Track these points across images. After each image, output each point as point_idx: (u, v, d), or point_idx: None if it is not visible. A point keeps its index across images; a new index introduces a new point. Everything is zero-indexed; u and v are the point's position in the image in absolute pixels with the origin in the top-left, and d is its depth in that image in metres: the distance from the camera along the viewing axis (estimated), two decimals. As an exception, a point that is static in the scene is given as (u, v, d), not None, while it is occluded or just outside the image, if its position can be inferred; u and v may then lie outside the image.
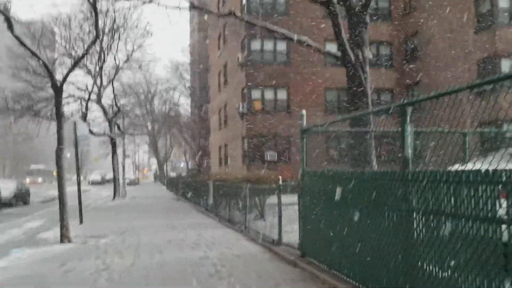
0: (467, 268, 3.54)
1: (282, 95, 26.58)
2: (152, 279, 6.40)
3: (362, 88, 17.48)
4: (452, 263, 3.72)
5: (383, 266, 4.65)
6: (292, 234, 8.32)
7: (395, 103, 4.41)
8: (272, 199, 12.79)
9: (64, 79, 11.26)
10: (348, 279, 5.48)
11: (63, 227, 10.67)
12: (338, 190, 5.60)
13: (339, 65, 26.87)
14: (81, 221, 14.08)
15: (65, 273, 7.04)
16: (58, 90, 10.74)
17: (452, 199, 3.72)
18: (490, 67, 20.52)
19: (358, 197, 5.19)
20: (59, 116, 10.97)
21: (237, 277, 6.37)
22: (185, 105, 67.18)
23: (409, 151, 4.22)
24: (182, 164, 79.28)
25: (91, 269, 7.19)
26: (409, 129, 4.28)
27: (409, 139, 4.25)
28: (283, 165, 24.94)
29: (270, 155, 25.41)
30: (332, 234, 6.00)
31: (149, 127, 63.02)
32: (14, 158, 77.92)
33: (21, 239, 11.55)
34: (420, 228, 4.06)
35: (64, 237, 10.59)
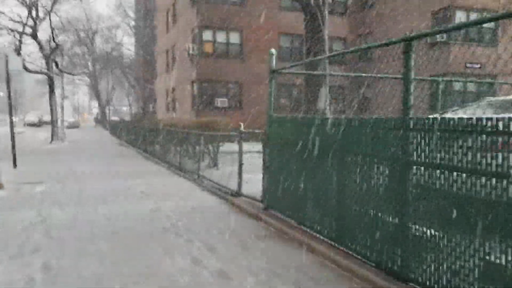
0: (472, 230, 3.07)
1: (235, 38, 25.31)
2: (98, 236, 5.59)
3: (319, 34, 17.02)
4: (456, 224, 3.24)
5: (368, 225, 4.14)
6: (250, 185, 7.73)
7: (396, 38, 3.71)
8: (225, 147, 12.14)
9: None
10: (321, 236, 4.97)
11: (-8, 172, 9.47)
12: (316, 138, 4.98)
13: (295, 9, 26.05)
14: (14, 165, 12.78)
15: (-8, 227, 6.07)
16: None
17: (466, 151, 3.17)
18: (445, 18, 20.40)
19: (340, 147, 4.58)
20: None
21: (196, 232, 5.70)
22: (128, 45, 63.64)
23: (411, 96, 3.60)
24: (125, 108, 76.21)
25: (25, 222, 6.25)
26: (413, 68, 3.64)
27: (412, 81, 3.61)
28: (234, 112, 24.20)
29: (220, 101, 24.47)
30: (303, 186, 5.43)
31: (90, 67, 59.20)
32: None
33: None
34: (421, 184, 3.51)
35: (-7, 183, 9.41)
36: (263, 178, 6.74)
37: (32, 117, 61.79)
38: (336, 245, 4.63)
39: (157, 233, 5.72)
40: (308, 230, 5.28)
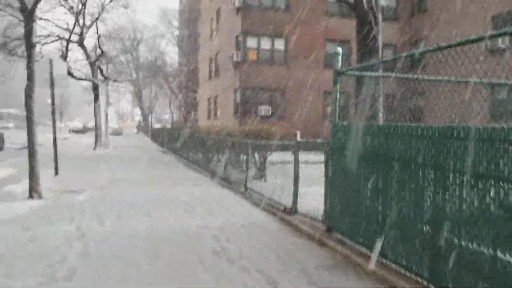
0: None
1: (279, 44, 24.62)
2: (140, 258, 4.89)
3: (371, 40, 16.11)
4: None
5: (482, 265, 3.21)
6: (303, 200, 6.91)
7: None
8: (271, 157, 11.37)
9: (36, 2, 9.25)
10: (407, 273, 4.06)
11: (33, 179, 9.05)
12: (401, 150, 4.10)
13: (341, 14, 25.12)
14: (56, 172, 12.47)
15: (26, 243, 5.50)
16: (28, 14, 8.80)
17: None
18: (507, 22, 18.86)
19: (437, 163, 3.68)
20: (29, 46, 9.08)
21: (251, 259, 4.90)
22: (172, 53, 64.50)
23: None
24: (167, 116, 77.14)
25: (61, 238, 5.66)
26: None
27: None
28: (278, 119, 23.44)
29: (264, 108, 23.78)
30: (381, 208, 4.53)
31: (134, 75, 60.16)
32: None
33: (-16, 191, 9.93)
34: None
35: (33, 192, 8.98)
36: (325, 194, 5.89)
37: (77, 124, 63.52)
38: (430, 286, 3.71)
39: (206, 257, 4.95)
40: (387, 261, 4.38)
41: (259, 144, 10.21)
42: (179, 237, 5.84)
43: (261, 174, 11.40)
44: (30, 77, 9.18)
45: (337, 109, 5.75)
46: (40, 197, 8.93)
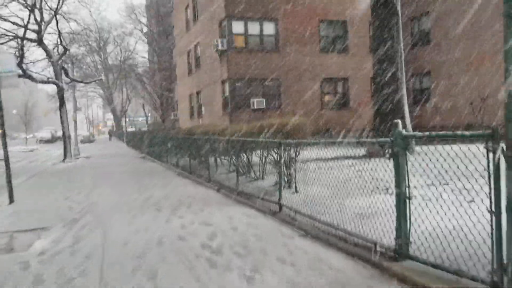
0: None
1: (269, 29, 21.74)
2: None
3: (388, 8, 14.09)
4: None
5: None
6: (377, 220, 4.18)
7: None
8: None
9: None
10: None
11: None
12: None
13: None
14: (11, 200, 9.34)
15: None
16: None
17: None
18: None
19: None
20: None
21: None
22: (142, 52, 60.91)
23: None
24: (141, 119, 73.23)
25: None
26: None
27: None
28: (273, 113, 20.65)
29: (257, 101, 20.90)
30: None
31: (103, 78, 56.15)
32: None
33: None
34: None
35: (-32, 240, 5.94)
36: (495, 230, 3.11)
37: (45, 133, 59.20)
38: None
39: None
40: None
41: (300, 142, 7.37)
42: None
43: (288, 181, 8.57)
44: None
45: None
46: (-22, 247, 5.89)
